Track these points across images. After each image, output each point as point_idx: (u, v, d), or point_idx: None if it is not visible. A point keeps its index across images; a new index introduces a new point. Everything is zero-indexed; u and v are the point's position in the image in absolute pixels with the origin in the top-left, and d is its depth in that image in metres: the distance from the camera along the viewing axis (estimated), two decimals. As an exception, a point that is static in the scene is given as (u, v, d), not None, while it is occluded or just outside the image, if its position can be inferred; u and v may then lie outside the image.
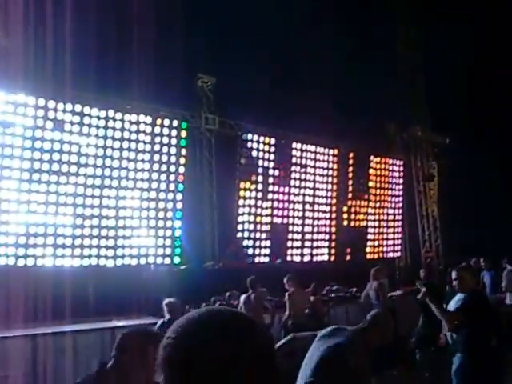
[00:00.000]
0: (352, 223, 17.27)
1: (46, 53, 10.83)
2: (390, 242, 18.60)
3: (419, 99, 19.06)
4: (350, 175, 17.06)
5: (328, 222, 16.53)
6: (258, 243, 14.74)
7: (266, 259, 14.88)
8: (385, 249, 18.44)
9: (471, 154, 17.72)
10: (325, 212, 16.41)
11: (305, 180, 15.73)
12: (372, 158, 17.71)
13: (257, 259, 14.68)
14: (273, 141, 14.92)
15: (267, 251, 14.92)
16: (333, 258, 16.64)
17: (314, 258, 16.14)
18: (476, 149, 17.64)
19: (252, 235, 14.59)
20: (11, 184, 10.64)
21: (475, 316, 6.12)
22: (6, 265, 10.40)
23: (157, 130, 12.70)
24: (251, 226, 14.58)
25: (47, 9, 10.42)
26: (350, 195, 17.10)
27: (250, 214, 14.51)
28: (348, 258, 17.08)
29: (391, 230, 18.58)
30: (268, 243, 14.94)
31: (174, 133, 12.93)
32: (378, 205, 18.03)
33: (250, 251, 14.56)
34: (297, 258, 15.63)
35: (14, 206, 10.68)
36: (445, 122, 18.37)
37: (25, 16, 9.74)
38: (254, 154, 14.50)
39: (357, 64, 15.78)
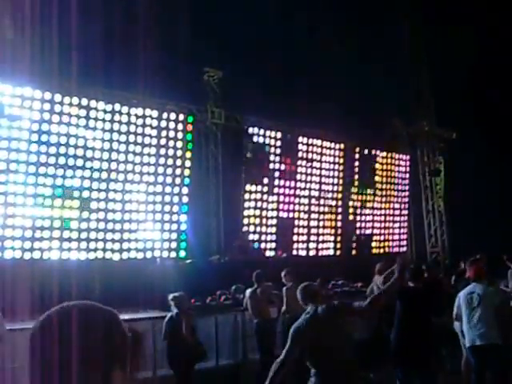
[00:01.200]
0: (358, 218, 17.26)
1: (53, 47, 10.84)
2: (396, 237, 18.59)
3: (425, 94, 19.00)
4: (356, 170, 17.04)
5: (334, 217, 16.52)
6: (263, 237, 14.76)
7: (272, 253, 14.90)
8: (390, 244, 18.43)
9: (477, 149, 17.63)
10: (330, 206, 16.40)
11: (311, 174, 15.72)
12: (378, 152, 17.69)
13: (262, 253, 14.70)
14: (279, 135, 14.91)
15: (273, 245, 14.94)
16: (338, 253, 16.63)
17: (320, 253, 16.13)
18: (482, 143, 17.56)
19: (258, 229, 14.61)
20: (18, 177, 10.69)
21: None
22: (13, 258, 10.45)
23: (163, 123, 12.71)
24: (257, 220, 14.59)
25: (54, 3, 10.42)
26: (355, 190, 17.07)
27: (255, 208, 14.53)
28: (353, 252, 17.09)
29: (397, 224, 18.57)
30: (274, 237, 14.96)
31: (180, 127, 12.95)
32: (383, 199, 18.01)
33: (256, 245, 14.58)
34: (302, 253, 15.63)
35: (21, 200, 10.73)
36: (451, 117, 18.28)
37: (31, 10, 9.74)
38: (260, 147, 14.51)
39: (363, 60, 15.74)
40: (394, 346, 6.70)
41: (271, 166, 14.80)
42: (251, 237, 14.50)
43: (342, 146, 16.50)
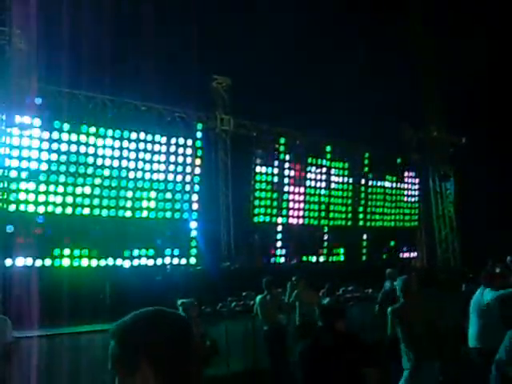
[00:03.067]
0: (368, 224, 17.23)
1: (62, 55, 10.93)
2: (407, 243, 18.54)
3: (434, 100, 18.96)
4: (366, 175, 17.02)
5: (344, 223, 16.50)
6: (273, 244, 14.77)
7: (282, 260, 14.90)
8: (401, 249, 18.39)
9: (487, 154, 17.58)
10: (340, 212, 16.39)
11: (320, 180, 15.72)
12: (388, 158, 17.66)
13: (272, 260, 14.71)
14: (288, 141, 14.93)
15: (283, 252, 14.93)
16: (348, 259, 16.60)
17: (330, 259, 16.11)
18: (492, 148, 17.51)
19: (267, 236, 14.62)
20: (29, 185, 10.76)
21: None
22: (25, 266, 10.51)
23: (173, 131, 12.76)
24: (267, 227, 14.61)
25: (63, 10, 10.52)
26: (365, 196, 17.06)
27: (265, 214, 14.54)
28: (364, 258, 17.06)
29: (407, 230, 18.52)
30: (283, 244, 14.96)
31: (189, 134, 12.99)
32: (393, 205, 17.98)
33: (266, 252, 14.60)
34: (312, 259, 15.62)
35: (32, 207, 10.80)
36: (460, 122, 18.25)
37: (41, 19, 9.84)
38: (270, 154, 14.54)
39: (372, 66, 15.75)
40: None
41: (280, 172, 14.80)
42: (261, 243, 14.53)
43: (352, 151, 16.50)
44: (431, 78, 18.84)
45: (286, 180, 14.92)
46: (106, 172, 11.77)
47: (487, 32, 16.57)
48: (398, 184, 18.06)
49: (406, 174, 18.28)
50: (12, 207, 10.63)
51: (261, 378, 9.69)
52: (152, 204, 12.47)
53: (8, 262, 10.37)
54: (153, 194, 12.47)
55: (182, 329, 1.60)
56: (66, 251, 11.13)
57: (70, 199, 11.28)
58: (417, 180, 18.64)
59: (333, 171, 16.05)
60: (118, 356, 1.53)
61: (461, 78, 16.82)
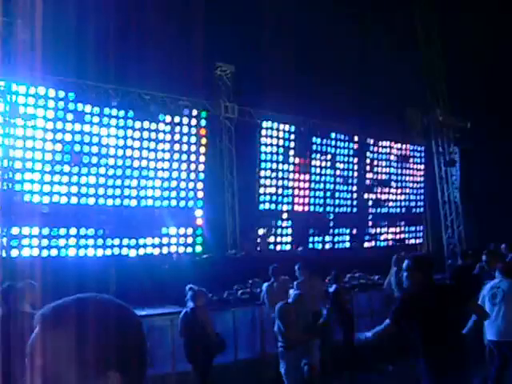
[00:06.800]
0: (372, 210, 17.18)
1: (66, 45, 10.89)
2: (412, 229, 18.52)
3: (440, 83, 18.83)
4: (370, 162, 16.96)
5: (349, 210, 16.47)
6: (279, 231, 14.75)
7: (288, 247, 14.88)
8: (407, 235, 18.35)
9: (493, 138, 17.51)
10: (346, 199, 16.35)
11: (325, 167, 15.67)
12: (393, 144, 17.58)
13: (278, 247, 14.69)
14: (292, 128, 14.87)
15: (289, 239, 14.91)
16: (355, 245, 16.57)
17: (336, 246, 16.10)
18: (498, 133, 17.42)
19: (273, 223, 14.59)
20: (34, 176, 10.74)
21: None
22: (31, 256, 10.51)
23: (176, 119, 12.71)
24: (272, 214, 14.58)
25: (66, 0, 10.47)
26: (369, 182, 17.00)
27: (271, 202, 14.50)
28: (368, 244, 17.04)
29: (413, 216, 18.49)
30: (289, 231, 14.93)
31: (193, 122, 12.94)
32: (399, 191, 17.93)
33: (272, 239, 14.57)
34: (318, 246, 15.60)
35: (37, 198, 10.79)
36: (466, 106, 18.15)
37: (45, 9, 9.78)
38: (275, 141, 14.47)
39: (377, 50, 15.63)
40: None
41: (285, 159, 14.75)
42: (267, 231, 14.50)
43: (356, 138, 16.42)
44: (435, 62, 18.69)
45: (292, 167, 14.87)
46: (111, 161, 11.74)
47: (491, 13, 16.44)
48: (404, 170, 17.98)
49: (411, 159, 18.20)
50: (18, 198, 10.62)
51: (268, 365, 9.71)
52: (157, 193, 12.45)
53: (14, 252, 10.39)
54: (158, 183, 12.45)
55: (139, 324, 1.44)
56: (72, 241, 11.14)
57: (74, 189, 11.27)
58: (422, 166, 18.56)
59: (338, 158, 15.97)
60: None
61: (466, 62, 16.71)
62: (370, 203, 17.04)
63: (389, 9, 16.45)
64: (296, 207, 15.09)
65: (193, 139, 12.90)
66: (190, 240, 12.94)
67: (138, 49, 12.39)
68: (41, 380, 1.22)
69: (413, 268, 5.19)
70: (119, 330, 1.34)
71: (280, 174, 14.63)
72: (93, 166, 11.48)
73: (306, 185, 15.28)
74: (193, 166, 12.94)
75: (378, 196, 17.27)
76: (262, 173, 14.30)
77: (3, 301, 6.02)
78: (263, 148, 14.26)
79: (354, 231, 16.60)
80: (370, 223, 17.14)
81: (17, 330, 5.34)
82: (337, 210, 16.09)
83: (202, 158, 13.08)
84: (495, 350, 7.01)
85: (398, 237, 17.98)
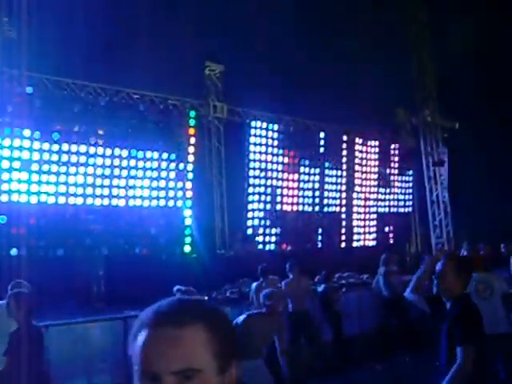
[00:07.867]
0: (361, 209, 17.21)
1: (54, 43, 10.83)
2: (400, 228, 18.56)
3: (429, 84, 18.90)
4: (358, 161, 16.98)
5: (338, 209, 16.49)
6: (267, 230, 14.73)
7: (275, 247, 14.86)
8: (395, 235, 18.39)
9: (481, 139, 17.59)
10: (334, 198, 16.37)
11: (314, 166, 15.67)
12: (381, 143, 17.62)
13: (267, 247, 14.67)
14: (282, 128, 14.86)
15: (277, 239, 14.90)
16: (344, 245, 16.60)
17: (326, 245, 16.11)
18: (486, 133, 17.51)
19: (262, 223, 14.58)
20: (21, 175, 10.66)
21: None
22: (19, 256, 10.43)
23: (165, 118, 12.65)
24: (261, 214, 14.56)
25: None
26: (358, 181, 17.02)
27: (259, 201, 14.48)
28: (356, 244, 17.07)
29: (401, 216, 18.54)
30: (278, 230, 14.92)
31: (182, 121, 12.90)
32: (387, 191, 17.97)
33: (260, 238, 14.55)
34: (307, 245, 15.60)
35: (25, 198, 10.72)
36: (454, 107, 18.24)
37: (31, 6, 9.73)
38: (263, 141, 14.45)
39: (366, 50, 15.65)
40: None
41: (274, 159, 14.73)
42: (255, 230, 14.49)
43: (345, 137, 16.44)
44: (425, 62, 18.76)
45: (280, 167, 14.85)
46: (99, 161, 11.67)
47: (479, 14, 16.50)
48: (392, 170, 18.03)
49: (399, 159, 18.25)
50: (4, 198, 10.53)
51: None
52: (145, 192, 12.39)
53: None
54: (146, 183, 12.39)
55: None
56: (60, 241, 11.08)
57: (62, 189, 11.19)
58: (410, 166, 18.62)
59: (326, 157, 15.98)
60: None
61: (455, 63, 16.77)
62: (359, 203, 17.06)
63: (379, 9, 16.48)
64: (285, 207, 15.08)
65: (182, 139, 12.86)
66: (178, 240, 12.88)
67: (127, 48, 12.35)
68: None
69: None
70: (232, 323, 1.57)
71: (269, 174, 14.61)
72: (80, 166, 11.39)
73: (295, 184, 15.27)
74: (181, 166, 12.89)
75: (367, 195, 17.29)
76: (251, 172, 14.27)
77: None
78: (252, 148, 14.23)
79: (343, 231, 16.62)
80: (359, 223, 17.16)
81: (32, 347, 5.26)
82: (325, 209, 16.09)
83: (191, 158, 13.03)
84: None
85: (386, 236, 18.01)
